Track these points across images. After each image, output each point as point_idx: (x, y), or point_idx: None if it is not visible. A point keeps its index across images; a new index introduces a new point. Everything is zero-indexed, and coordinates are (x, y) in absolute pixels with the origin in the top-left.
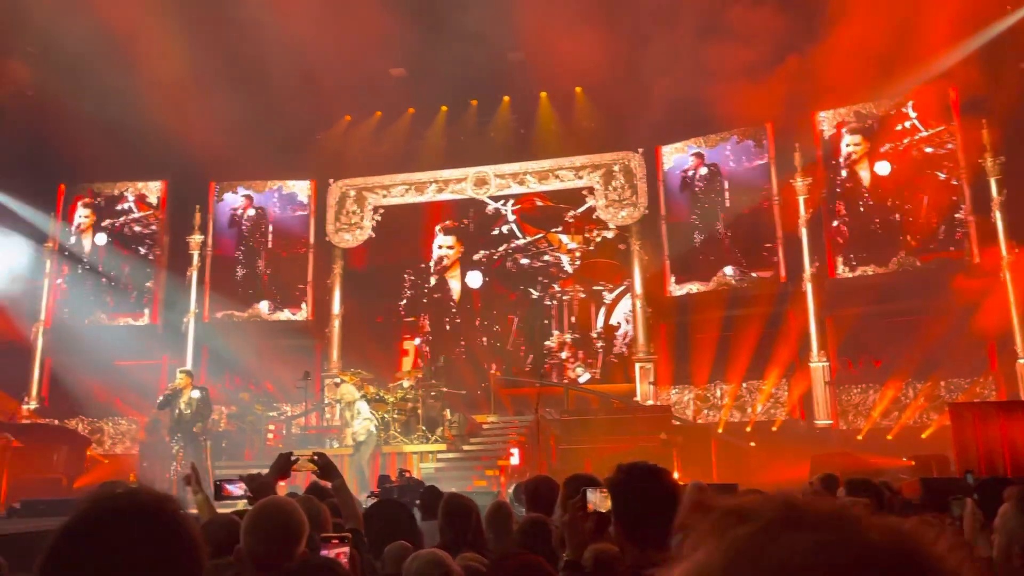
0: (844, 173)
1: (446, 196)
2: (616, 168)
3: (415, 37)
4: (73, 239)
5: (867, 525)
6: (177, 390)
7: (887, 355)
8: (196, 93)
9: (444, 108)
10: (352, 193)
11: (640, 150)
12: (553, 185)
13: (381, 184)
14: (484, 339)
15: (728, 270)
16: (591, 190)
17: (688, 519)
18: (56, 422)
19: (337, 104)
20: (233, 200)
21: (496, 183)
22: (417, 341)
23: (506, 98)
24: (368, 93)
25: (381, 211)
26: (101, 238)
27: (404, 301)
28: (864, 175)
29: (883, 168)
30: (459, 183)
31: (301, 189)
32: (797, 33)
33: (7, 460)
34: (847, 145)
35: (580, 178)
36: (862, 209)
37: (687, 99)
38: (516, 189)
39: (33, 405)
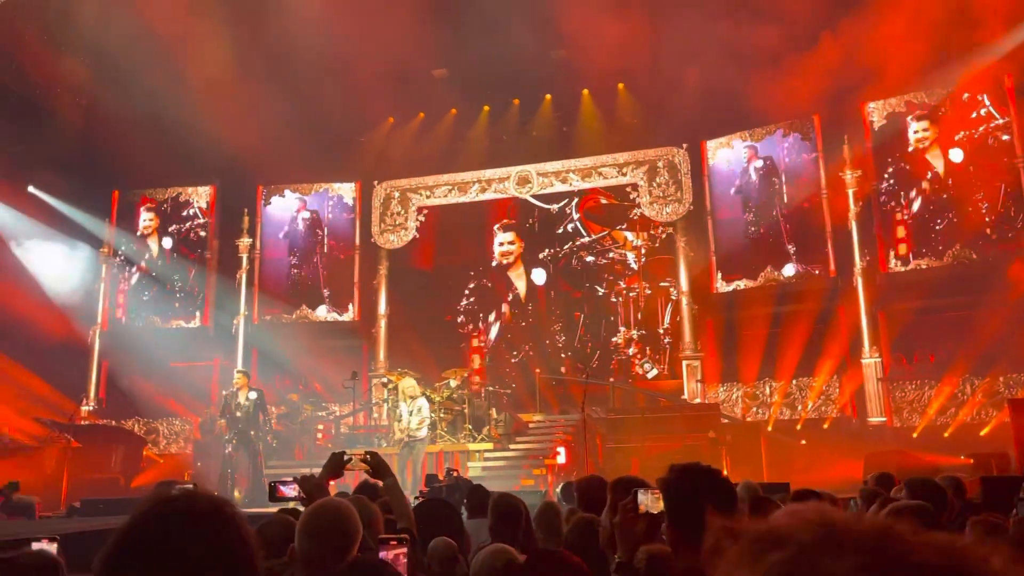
0: (906, 166)
1: (489, 196)
2: (660, 164)
3: (457, 38)
4: (134, 244)
5: (913, 545)
6: (235, 390)
7: (943, 350)
8: (242, 98)
9: (486, 108)
10: (396, 194)
11: (684, 145)
12: (596, 182)
13: (425, 185)
14: (557, 337)
15: (789, 269)
16: (635, 186)
17: (716, 544)
18: (113, 423)
19: (380, 106)
20: (282, 203)
21: (539, 181)
22: (494, 331)
23: (548, 96)
24: (411, 95)
25: (425, 211)
26: (167, 242)
27: (471, 300)
28: (936, 163)
29: (956, 155)
30: (502, 182)
31: (346, 191)
32: (844, 21)
33: (67, 460)
34: (914, 132)
35: (624, 175)
36: (923, 199)
37: (731, 92)
38: (559, 187)
39: (91, 406)
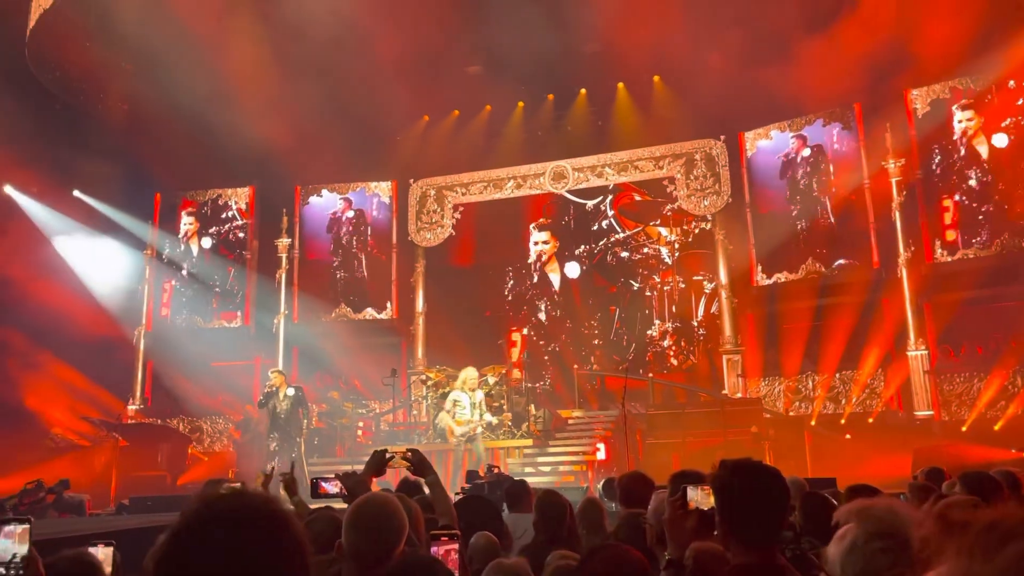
0: (952, 153)
1: (524, 192)
2: (697, 156)
3: (490, 34)
4: (178, 246)
5: None
6: (274, 389)
7: (992, 342)
8: (279, 99)
9: (521, 104)
10: (432, 192)
11: (722, 137)
12: (632, 176)
13: (460, 182)
14: (592, 331)
15: (835, 261)
16: (672, 180)
17: (930, 535)
18: (159, 422)
19: (415, 104)
20: (321, 203)
21: (574, 176)
22: (525, 331)
23: (583, 91)
24: (445, 92)
25: (461, 209)
26: (207, 243)
27: (509, 296)
28: (981, 150)
29: (1001, 141)
30: (537, 178)
31: (382, 190)
32: (884, 6)
33: (116, 459)
34: (959, 121)
35: (660, 168)
36: (969, 188)
37: (769, 82)
38: (595, 182)
39: (137, 406)
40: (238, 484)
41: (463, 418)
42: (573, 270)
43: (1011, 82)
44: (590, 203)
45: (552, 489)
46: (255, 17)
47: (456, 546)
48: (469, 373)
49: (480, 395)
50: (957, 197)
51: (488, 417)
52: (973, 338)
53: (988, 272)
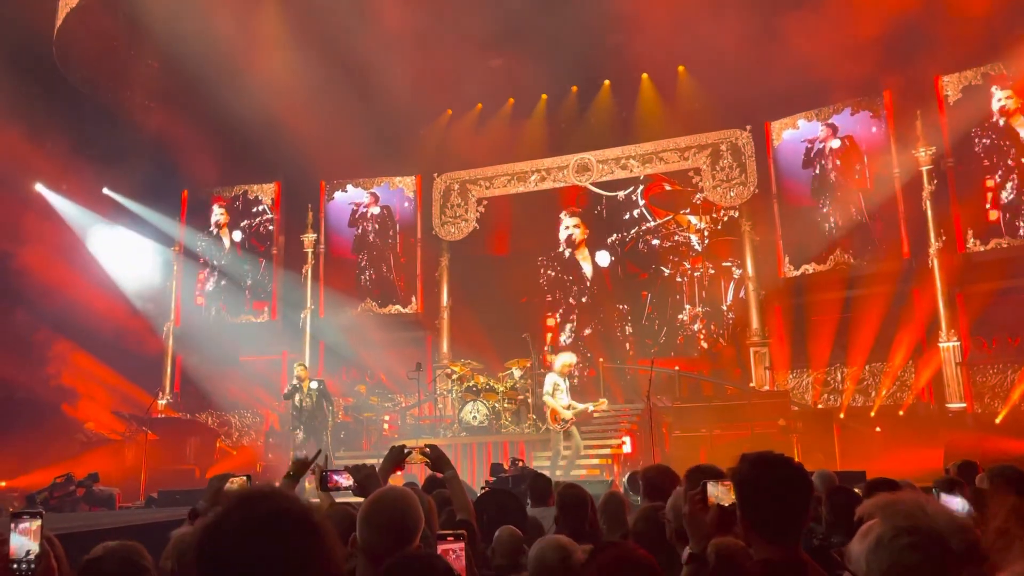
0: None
1: (548, 185)
2: (723, 147)
3: (512, 26)
4: (204, 242)
5: None
6: (299, 382)
7: None
8: (303, 95)
9: (544, 96)
10: (456, 186)
11: (748, 127)
12: (658, 168)
13: (484, 176)
14: (624, 317)
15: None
16: (697, 171)
17: (1006, 525)
18: (187, 416)
19: (439, 99)
20: (346, 198)
21: (598, 169)
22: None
23: (606, 82)
24: (468, 86)
25: (485, 202)
26: (236, 237)
27: (544, 282)
28: (1020, 131)
29: None
30: (561, 171)
31: (407, 184)
32: None
33: (145, 453)
34: (998, 100)
35: (686, 159)
36: (1001, 176)
37: (796, 71)
38: (619, 174)
39: (167, 400)
40: (243, 478)
41: (564, 402)
42: (604, 258)
43: None
44: (621, 193)
45: (573, 483)
46: (280, 14)
47: (462, 545)
48: (566, 358)
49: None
50: (998, 178)
51: (589, 406)
52: (1006, 329)
53: (1021, 262)
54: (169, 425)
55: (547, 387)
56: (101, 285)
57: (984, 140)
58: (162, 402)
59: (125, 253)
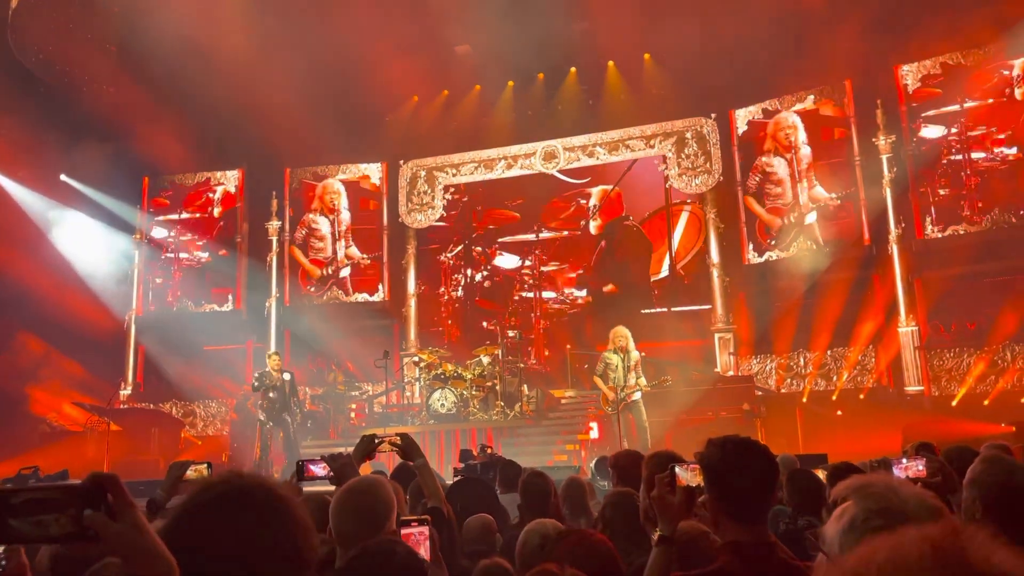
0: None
1: (515, 172)
2: (688, 135)
3: (478, 13)
4: (165, 229)
5: None
6: (268, 371)
7: (982, 317)
8: (267, 81)
9: (511, 83)
10: (423, 173)
11: (713, 115)
12: (624, 156)
13: (451, 163)
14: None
15: (821, 238)
16: (664, 158)
17: None
18: (151, 406)
19: (404, 85)
20: (311, 185)
21: (565, 156)
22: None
23: (573, 69)
24: (434, 72)
25: (452, 189)
26: (197, 226)
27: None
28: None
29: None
30: (528, 158)
31: (373, 171)
32: None
33: (108, 444)
34: (958, 90)
35: (651, 147)
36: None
37: (759, 59)
38: (586, 161)
39: (129, 391)
40: (203, 466)
41: (617, 383)
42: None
43: (1005, 68)
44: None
45: (537, 470)
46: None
47: (425, 530)
48: (619, 331)
49: (636, 355)
50: (956, 167)
51: (644, 380)
52: (963, 314)
53: (978, 248)
54: (132, 415)
55: (599, 367)
56: (61, 274)
57: (944, 129)
58: (124, 392)
59: (85, 241)
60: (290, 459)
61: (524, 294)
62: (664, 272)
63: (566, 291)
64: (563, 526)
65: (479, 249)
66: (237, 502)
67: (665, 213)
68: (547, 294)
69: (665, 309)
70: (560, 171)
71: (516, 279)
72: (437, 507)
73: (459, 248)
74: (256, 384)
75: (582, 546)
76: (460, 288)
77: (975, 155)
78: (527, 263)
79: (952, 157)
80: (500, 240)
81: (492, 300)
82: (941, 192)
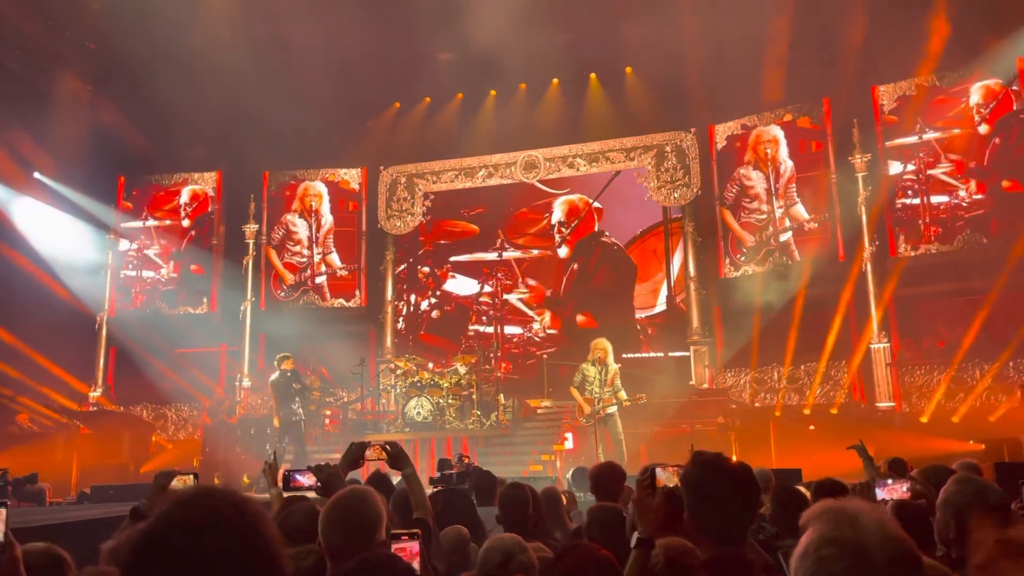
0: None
1: (495, 181)
2: (668, 148)
3: (462, 21)
4: (140, 231)
5: None
6: (286, 373)
7: (953, 335)
8: (247, 84)
9: (493, 92)
10: (403, 180)
11: (692, 130)
12: (604, 167)
13: (431, 170)
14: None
15: (797, 254)
16: (642, 171)
17: (990, 559)
18: (122, 409)
19: (386, 91)
20: (289, 189)
21: (545, 166)
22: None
23: (555, 80)
24: (417, 79)
25: (432, 197)
26: (173, 228)
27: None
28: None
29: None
30: (508, 167)
31: (352, 177)
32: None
33: (77, 447)
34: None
35: (631, 159)
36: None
37: (741, 76)
38: (566, 172)
39: (99, 392)
40: (189, 476)
41: (592, 395)
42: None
43: (980, 83)
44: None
45: (517, 482)
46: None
47: (416, 544)
48: (599, 343)
49: (614, 368)
50: (929, 186)
51: (623, 394)
52: (934, 331)
53: (950, 266)
54: (102, 418)
55: (576, 378)
56: (32, 273)
57: (917, 149)
58: (94, 394)
59: (58, 241)
60: (301, 461)
61: (481, 327)
62: (660, 306)
63: (534, 326)
64: (525, 542)
65: (426, 270)
66: (206, 520)
67: (663, 232)
68: (511, 329)
69: (661, 354)
70: (540, 181)
71: (472, 309)
72: (423, 518)
73: (401, 268)
74: (275, 380)
75: (588, 561)
76: (401, 319)
77: (948, 175)
78: (486, 289)
79: (926, 177)
80: (452, 259)
81: (440, 335)
82: (915, 212)
